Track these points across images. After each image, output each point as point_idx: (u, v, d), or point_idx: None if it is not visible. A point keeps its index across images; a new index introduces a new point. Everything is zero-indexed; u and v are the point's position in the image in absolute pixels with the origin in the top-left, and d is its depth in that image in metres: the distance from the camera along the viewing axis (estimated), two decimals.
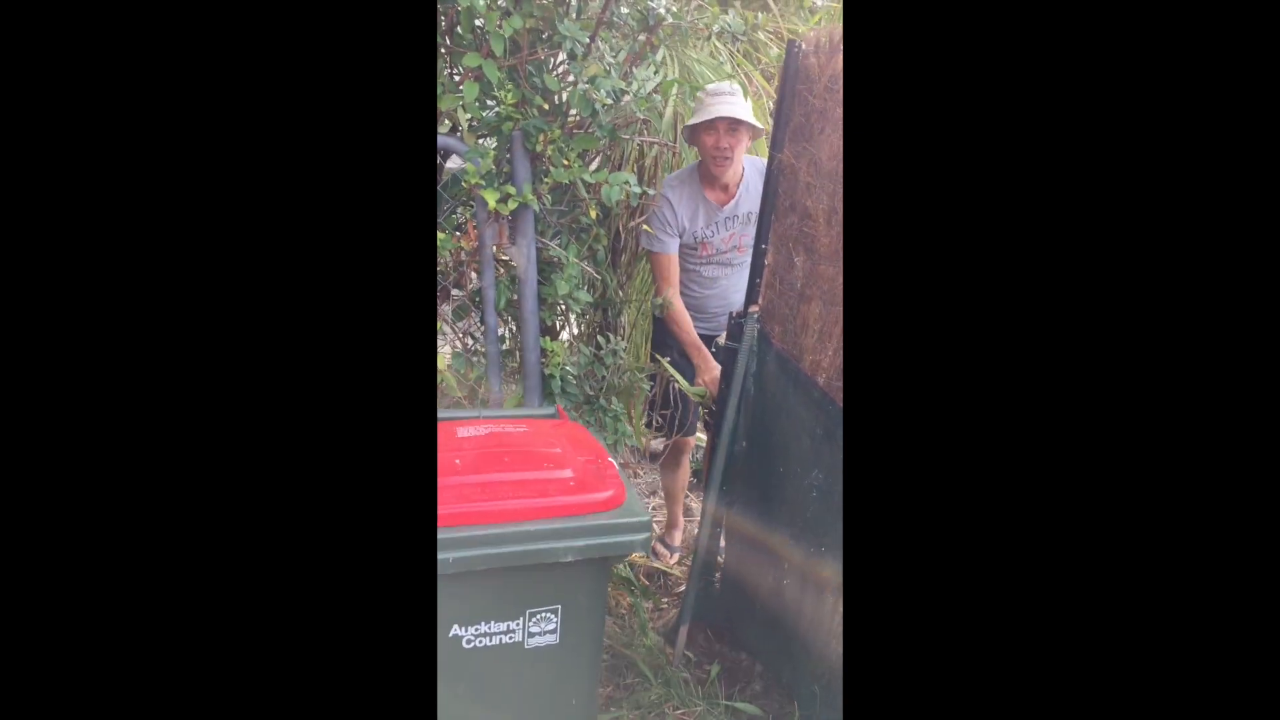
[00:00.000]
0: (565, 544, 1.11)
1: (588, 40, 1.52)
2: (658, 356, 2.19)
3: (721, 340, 1.89)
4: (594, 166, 1.98)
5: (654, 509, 2.87)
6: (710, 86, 1.93)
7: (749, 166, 2.14)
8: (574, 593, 1.17)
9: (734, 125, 1.95)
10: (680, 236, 2.13)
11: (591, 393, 1.81)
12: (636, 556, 2.51)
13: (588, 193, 1.70)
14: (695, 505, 2.83)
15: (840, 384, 1.72)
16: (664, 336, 2.21)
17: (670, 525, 2.58)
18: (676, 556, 2.52)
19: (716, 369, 2.01)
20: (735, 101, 1.92)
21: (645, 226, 2.05)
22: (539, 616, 1.17)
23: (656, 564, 2.48)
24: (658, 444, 3.07)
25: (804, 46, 1.63)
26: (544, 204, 1.66)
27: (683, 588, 2.39)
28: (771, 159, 1.71)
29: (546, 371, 1.70)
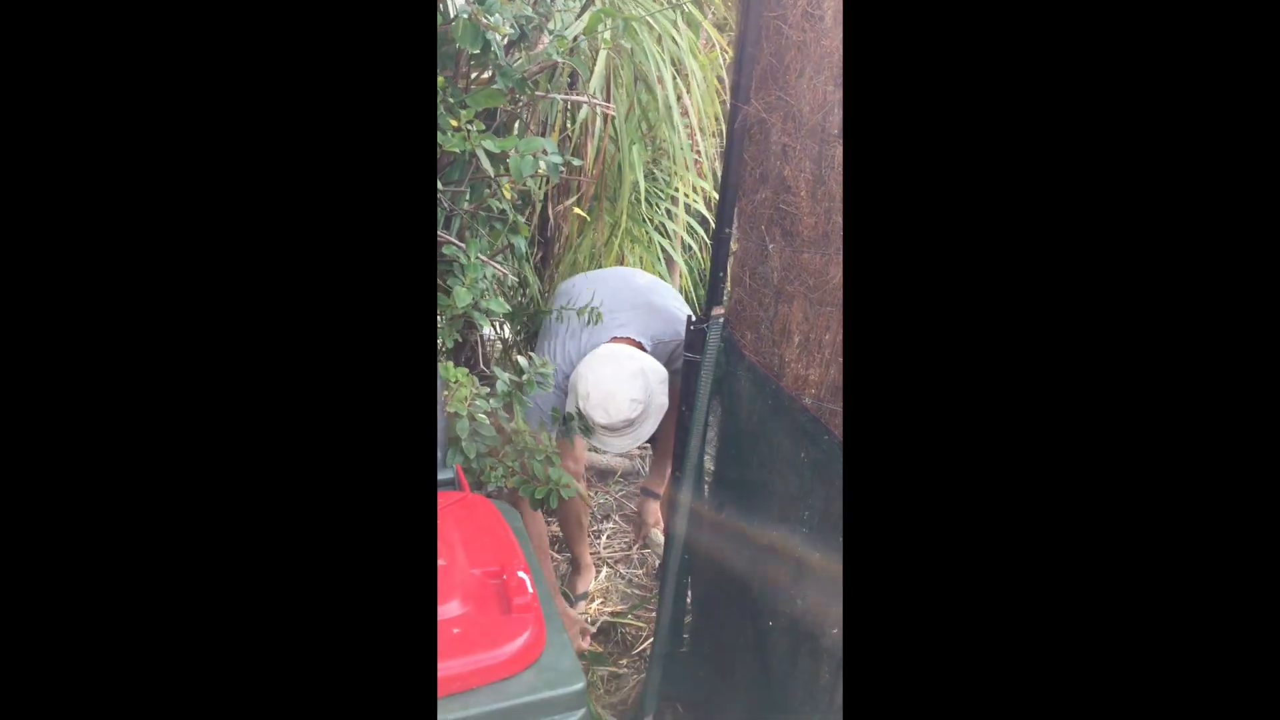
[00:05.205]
0: None
1: None
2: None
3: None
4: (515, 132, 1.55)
5: (610, 536, 2.47)
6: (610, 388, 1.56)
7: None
8: None
9: None
10: None
11: (515, 430, 1.39)
12: (590, 608, 2.11)
13: (494, 167, 1.27)
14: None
15: (834, 406, 1.34)
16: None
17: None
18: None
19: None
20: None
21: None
22: None
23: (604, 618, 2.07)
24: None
25: None
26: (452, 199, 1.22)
27: (645, 643, 1.99)
28: (734, 114, 1.30)
29: (450, 409, 1.27)
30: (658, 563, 2.20)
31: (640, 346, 1.69)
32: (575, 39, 1.42)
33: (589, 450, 1.98)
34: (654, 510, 2.10)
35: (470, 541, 0.90)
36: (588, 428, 1.56)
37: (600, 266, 2.12)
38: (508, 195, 1.37)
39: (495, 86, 1.25)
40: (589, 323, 1.67)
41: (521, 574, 0.82)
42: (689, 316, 1.46)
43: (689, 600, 1.68)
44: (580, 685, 0.78)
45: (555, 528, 2.26)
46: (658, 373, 1.63)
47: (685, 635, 1.70)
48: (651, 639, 1.83)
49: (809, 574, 1.43)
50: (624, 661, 1.93)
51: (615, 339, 1.67)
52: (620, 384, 1.55)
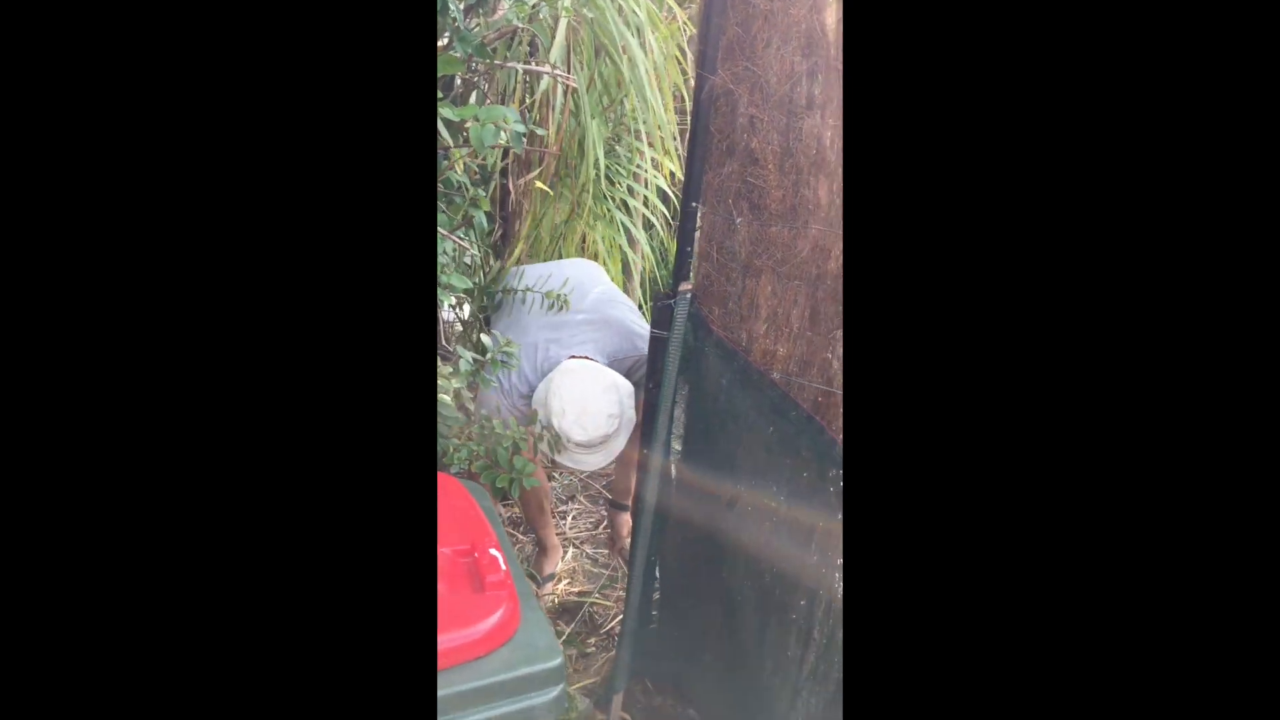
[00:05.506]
0: None
1: None
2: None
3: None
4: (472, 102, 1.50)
5: (576, 516, 2.46)
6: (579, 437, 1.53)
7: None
8: None
9: None
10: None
11: (482, 413, 1.36)
12: (558, 589, 2.10)
13: (453, 136, 1.23)
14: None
15: (803, 380, 1.34)
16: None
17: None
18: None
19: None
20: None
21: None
22: None
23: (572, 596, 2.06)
24: None
25: None
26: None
27: (614, 621, 1.99)
28: (700, 85, 1.28)
29: None
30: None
31: None
32: (535, 5, 1.37)
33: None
34: (625, 522, 2.09)
35: (439, 520, 0.88)
36: (559, 445, 1.53)
37: (561, 244, 2.08)
38: (472, 167, 1.32)
39: (453, 53, 1.20)
40: (554, 308, 1.64)
41: (494, 551, 0.80)
42: (658, 293, 1.44)
43: (657, 577, 1.67)
44: (557, 661, 0.76)
45: (516, 509, 2.23)
46: (626, 387, 1.63)
47: (654, 612, 1.70)
48: (619, 617, 1.82)
49: (777, 548, 1.44)
50: (592, 640, 1.92)
51: (573, 357, 1.65)
52: (595, 399, 1.54)
